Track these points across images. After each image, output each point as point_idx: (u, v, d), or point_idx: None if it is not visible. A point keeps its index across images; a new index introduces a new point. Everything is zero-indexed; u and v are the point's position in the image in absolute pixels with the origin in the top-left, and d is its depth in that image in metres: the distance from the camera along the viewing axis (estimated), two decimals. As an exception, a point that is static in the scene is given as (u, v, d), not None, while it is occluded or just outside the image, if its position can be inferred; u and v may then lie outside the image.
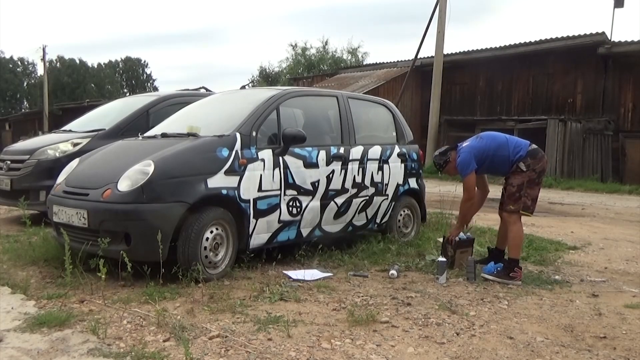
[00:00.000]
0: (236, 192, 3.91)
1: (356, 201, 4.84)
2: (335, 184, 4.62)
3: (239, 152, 3.96)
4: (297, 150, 4.32)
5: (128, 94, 56.35)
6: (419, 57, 17.87)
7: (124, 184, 3.61)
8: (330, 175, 4.57)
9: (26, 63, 62.88)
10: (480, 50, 17.79)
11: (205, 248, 3.73)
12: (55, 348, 2.56)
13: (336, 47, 42.73)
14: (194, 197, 3.67)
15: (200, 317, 3.03)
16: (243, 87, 22.93)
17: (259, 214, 4.05)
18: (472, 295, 3.62)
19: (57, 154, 5.91)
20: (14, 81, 59.89)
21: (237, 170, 3.93)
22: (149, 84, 67.29)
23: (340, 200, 4.68)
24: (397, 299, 3.47)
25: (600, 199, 11.13)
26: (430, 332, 2.90)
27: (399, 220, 5.41)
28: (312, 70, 32.73)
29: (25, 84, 62.58)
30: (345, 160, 4.72)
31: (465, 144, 4.24)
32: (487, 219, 7.13)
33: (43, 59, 37.28)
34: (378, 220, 5.16)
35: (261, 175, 4.06)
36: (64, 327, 2.81)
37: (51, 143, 6.11)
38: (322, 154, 4.52)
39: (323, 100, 5.18)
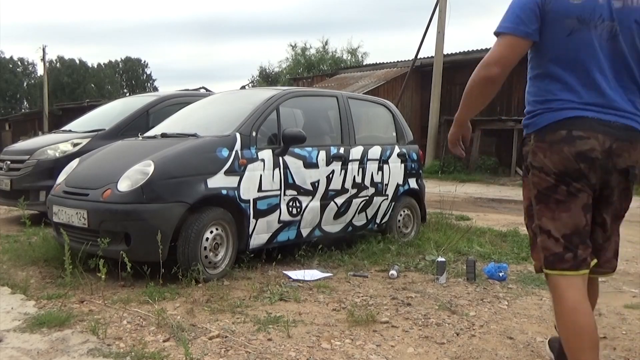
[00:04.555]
0: (236, 192, 3.91)
1: (356, 201, 4.84)
2: (335, 184, 4.62)
3: (239, 152, 3.96)
4: (297, 150, 4.32)
5: (128, 94, 56.35)
6: (419, 57, 17.86)
7: (124, 184, 3.61)
8: (330, 176, 4.57)
9: (26, 63, 62.97)
10: (480, 50, 17.76)
11: (205, 248, 3.72)
12: (55, 348, 2.56)
13: (336, 47, 42.85)
14: (193, 197, 3.67)
15: (200, 317, 3.03)
16: (243, 87, 22.99)
17: (259, 214, 4.05)
18: (472, 295, 3.62)
19: (57, 154, 5.91)
20: (14, 81, 59.91)
21: (237, 170, 3.93)
22: (149, 84, 67.31)
23: (340, 200, 4.67)
24: (397, 299, 3.47)
25: (600, 199, 11.12)
26: (430, 332, 2.90)
27: (399, 221, 5.40)
28: (312, 70, 32.72)
29: (25, 84, 62.61)
30: (345, 161, 4.71)
31: None
32: (487, 219, 7.13)
33: (43, 59, 37.29)
34: (378, 221, 5.16)
35: (261, 175, 4.06)
36: (63, 327, 2.81)
37: (51, 143, 6.11)
38: (322, 154, 4.52)
39: (323, 100, 5.19)
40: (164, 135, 4.35)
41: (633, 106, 1.88)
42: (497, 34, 1.94)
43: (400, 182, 5.33)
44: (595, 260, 1.98)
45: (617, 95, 1.86)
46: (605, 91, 1.85)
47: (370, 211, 5.03)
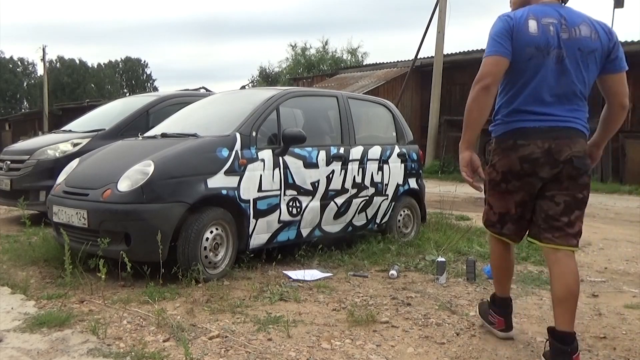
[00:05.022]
0: (236, 192, 3.91)
1: (356, 201, 4.84)
2: (335, 184, 4.62)
3: (239, 152, 3.96)
4: (297, 150, 4.32)
5: (128, 94, 56.34)
6: (419, 57, 17.87)
7: (124, 184, 3.61)
8: (330, 176, 4.57)
9: (26, 63, 62.99)
10: (480, 50, 17.75)
11: (205, 248, 3.73)
12: (55, 348, 2.56)
13: (336, 47, 42.90)
14: (193, 197, 3.67)
15: (200, 317, 3.03)
16: (243, 87, 22.97)
17: (259, 214, 4.05)
18: (472, 295, 3.62)
19: (57, 154, 5.91)
20: (14, 81, 59.93)
21: (237, 170, 3.93)
22: (149, 84, 67.33)
23: (340, 200, 4.67)
24: (397, 299, 3.47)
25: (600, 199, 11.13)
26: (430, 332, 2.90)
27: (399, 221, 5.40)
28: (312, 70, 32.74)
29: (25, 84, 62.62)
30: (345, 161, 4.71)
31: (534, 6, 2.47)
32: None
33: (43, 59, 37.29)
34: (378, 221, 5.16)
35: (261, 175, 4.06)
36: (64, 327, 2.81)
37: (51, 143, 6.11)
38: (322, 154, 4.52)
39: (323, 100, 5.19)
40: (164, 135, 4.35)
41: (574, 112, 2.41)
42: (484, 58, 2.43)
43: (400, 182, 5.33)
44: (523, 238, 2.65)
45: (560, 105, 2.38)
46: (550, 103, 2.38)
47: (370, 211, 5.03)
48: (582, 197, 2.46)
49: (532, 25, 2.36)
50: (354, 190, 4.81)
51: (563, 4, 2.48)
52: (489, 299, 2.92)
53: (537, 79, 2.37)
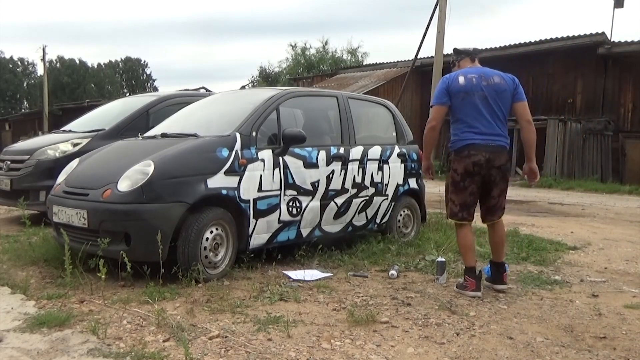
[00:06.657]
0: (236, 192, 3.91)
1: (356, 201, 4.84)
2: (335, 184, 4.62)
3: (239, 152, 3.96)
4: (297, 150, 4.32)
5: (128, 94, 56.29)
6: (419, 57, 17.85)
7: (124, 184, 3.61)
8: (330, 176, 4.57)
9: (26, 63, 62.94)
10: (480, 50, 17.74)
11: (205, 248, 3.72)
12: (55, 348, 2.56)
13: (336, 47, 42.81)
14: (193, 197, 3.67)
15: (200, 317, 3.03)
16: (243, 87, 22.97)
17: (259, 214, 4.05)
18: (472, 296, 3.62)
19: (57, 154, 5.90)
20: (14, 81, 59.84)
21: (237, 170, 3.93)
22: (149, 84, 67.28)
23: (340, 200, 4.67)
24: (397, 299, 3.47)
25: (600, 199, 11.14)
26: (430, 332, 2.90)
27: (399, 221, 5.40)
28: (312, 70, 32.72)
29: (25, 84, 62.55)
30: (345, 161, 4.71)
31: (462, 69, 3.81)
32: (487, 219, 7.10)
33: (43, 59, 37.22)
34: (378, 221, 5.16)
35: (261, 175, 4.06)
36: (63, 327, 2.81)
37: (51, 143, 6.11)
38: (322, 154, 4.52)
39: (323, 101, 5.18)
40: (164, 135, 4.35)
41: (501, 132, 3.63)
42: (431, 105, 3.78)
43: (400, 182, 5.33)
44: (473, 220, 3.75)
45: (491, 128, 3.60)
46: (485, 127, 3.60)
47: (370, 211, 5.03)
48: (505, 187, 3.72)
49: (461, 79, 3.65)
50: (354, 190, 4.81)
51: (482, 66, 3.78)
52: (463, 271, 3.81)
53: (472, 111, 3.60)
